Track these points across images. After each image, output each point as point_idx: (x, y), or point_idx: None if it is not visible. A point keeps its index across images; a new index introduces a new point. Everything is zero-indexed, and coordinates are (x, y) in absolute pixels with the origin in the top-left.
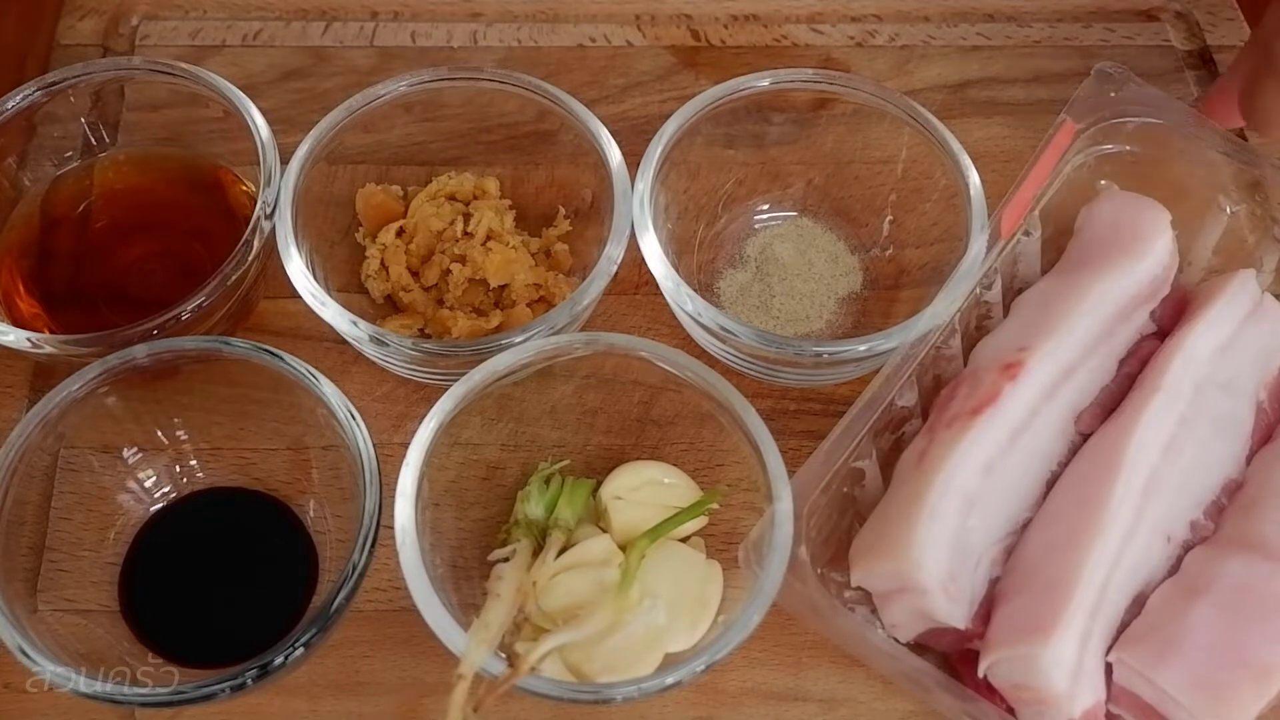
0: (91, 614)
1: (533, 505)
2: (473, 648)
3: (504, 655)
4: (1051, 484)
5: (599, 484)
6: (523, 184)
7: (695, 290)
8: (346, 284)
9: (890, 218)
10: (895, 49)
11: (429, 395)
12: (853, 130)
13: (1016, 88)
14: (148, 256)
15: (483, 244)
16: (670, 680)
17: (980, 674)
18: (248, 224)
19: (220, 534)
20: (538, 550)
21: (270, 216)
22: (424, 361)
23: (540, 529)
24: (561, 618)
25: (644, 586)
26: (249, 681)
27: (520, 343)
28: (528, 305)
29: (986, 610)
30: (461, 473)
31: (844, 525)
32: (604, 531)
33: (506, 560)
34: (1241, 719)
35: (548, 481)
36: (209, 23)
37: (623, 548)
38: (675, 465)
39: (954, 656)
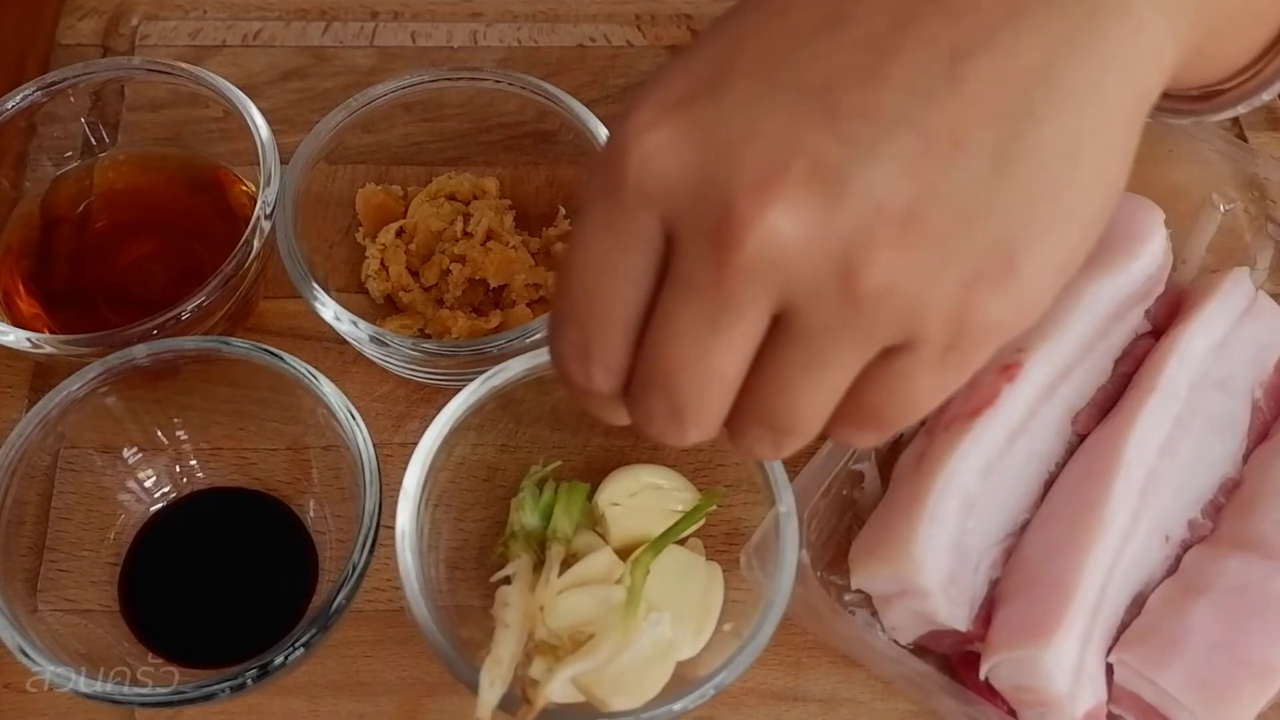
0: (91, 614)
1: (527, 514)
2: (485, 687)
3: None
4: (1049, 485)
5: (594, 488)
6: (523, 184)
7: None
8: (346, 284)
9: None
10: None
11: (429, 395)
12: None
13: None
14: (148, 256)
15: (482, 244)
16: (677, 707)
17: (981, 676)
18: (248, 224)
19: (220, 534)
20: (537, 564)
21: (270, 216)
22: (424, 361)
23: (538, 539)
24: (568, 636)
25: (648, 598)
26: (249, 681)
27: (519, 342)
28: (528, 305)
29: (987, 612)
30: (462, 473)
31: (843, 527)
32: (601, 536)
33: (508, 582)
34: (1242, 718)
35: (540, 486)
36: (209, 23)
37: (621, 553)
38: (673, 466)
39: (955, 658)
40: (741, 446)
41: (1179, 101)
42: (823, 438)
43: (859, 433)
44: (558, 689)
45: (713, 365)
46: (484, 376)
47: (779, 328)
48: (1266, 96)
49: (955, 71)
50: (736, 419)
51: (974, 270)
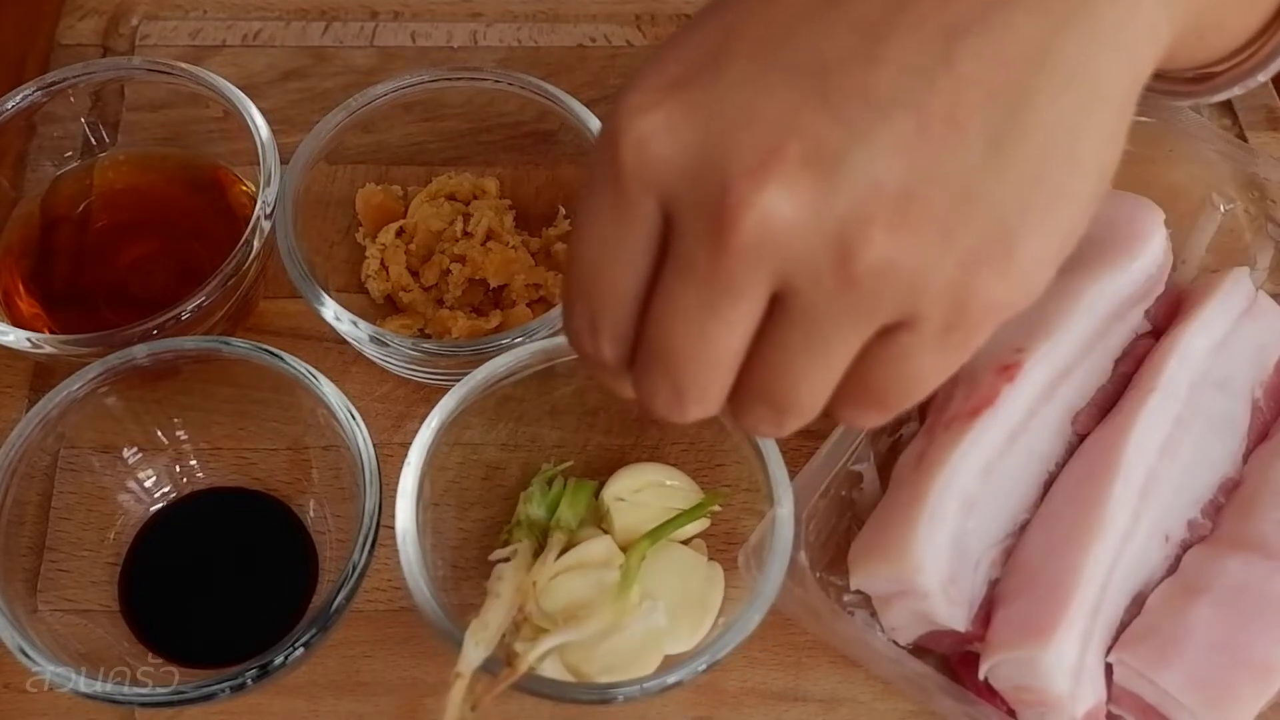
0: (91, 614)
1: (534, 506)
2: (470, 646)
3: (503, 655)
4: (1049, 485)
5: (601, 485)
6: (523, 184)
7: None
8: (346, 284)
9: None
10: None
11: (429, 395)
12: None
13: None
14: (148, 256)
15: (482, 244)
16: (671, 680)
17: (981, 676)
18: (248, 224)
19: (220, 534)
20: (539, 551)
21: (270, 216)
22: (424, 361)
23: (542, 530)
24: (562, 618)
25: (645, 589)
26: (249, 681)
27: (520, 343)
28: (527, 305)
29: (986, 612)
30: (462, 473)
31: (842, 528)
32: (605, 533)
33: (507, 560)
34: (1242, 717)
35: (550, 482)
36: (209, 23)
37: (624, 549)
38: (675, 465)
39: (954, 659)
40: (744, 425)
41: (1175, 84)
42: (828, 419)
43: (862, 412)
44: (545, 661)
45: (712, 347)
46: (472, 373)
47: (778, 308)
48: (1262, 77)
49: (951, 52)
50: (738, 398)
51: (973, 250)
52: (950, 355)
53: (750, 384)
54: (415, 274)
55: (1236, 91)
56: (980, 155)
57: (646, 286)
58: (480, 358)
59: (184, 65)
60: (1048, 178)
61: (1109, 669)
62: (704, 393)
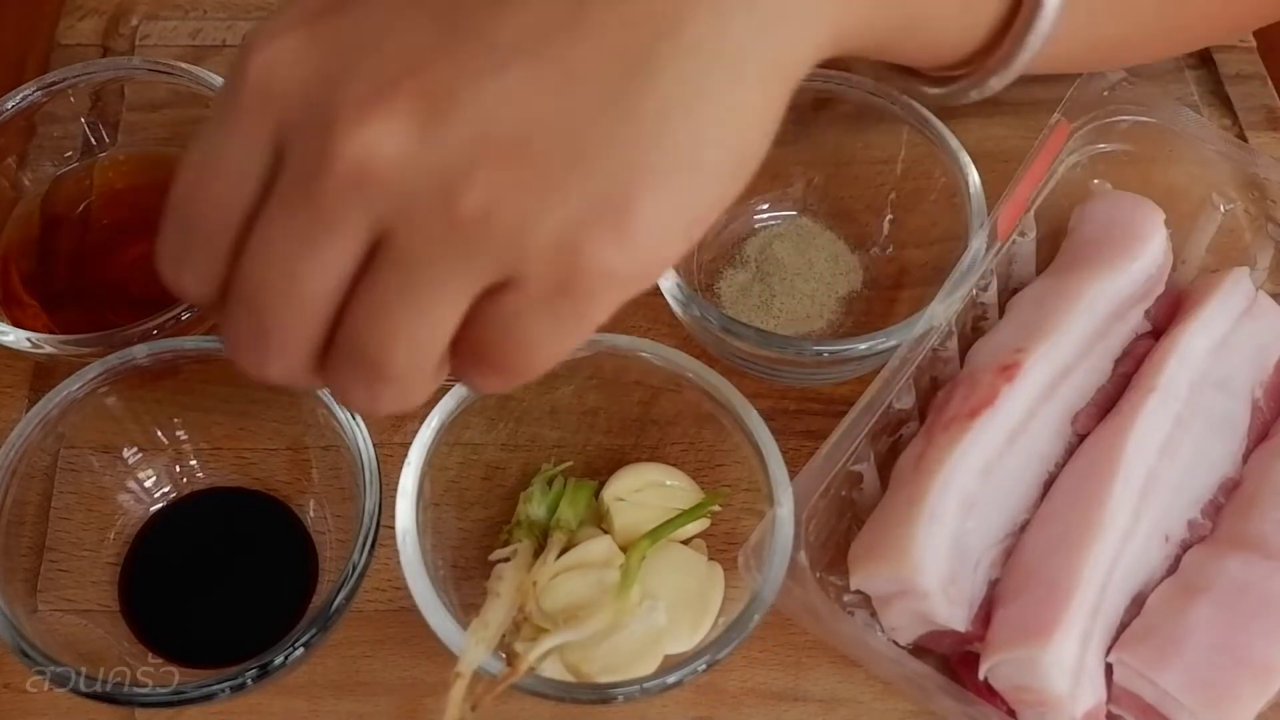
0: (91, 614)
1: (535, 506)
2: (471, 646)
3: (504, 655)
4: (1049, 485)
5: (601, 485)
6: None
7: (695, 290)
8: None
9: (890, 217)
10: None
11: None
12: (852, 130)
13: (1016, 87)
14: (148, 256)
15: None
16: (671, 680)
17: (981, 676)
18: None
19: (220, 534)
20: (539, 551)
21: None
22: None
23: (542, 530)
24: (562, 618)
25: (645, 588)
26: (249, 681)
27: None
28: None
29: (986, 612)
30: (462, 472)
31: (842, 528)
32: (605, 533)
33: (507, 560)
34: (1242, 717)
35: (550, 483)
36: (209, 23)
37: (624, 549)
38: (675, 465)
39: (954, 659)
40: (336, 391)
41: (922, 81)
42: (824, 418)
43: (478, 374)
44: (545, 661)
45: (301, 286)
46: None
47: (378, 253)
48: (995, 84)
49: (580, 11)
50: (330, 357)
51: (583, 210)
52: (565, 326)
53: (342, 339)
54: None
55: (974, 97)
56: (594, 111)
57: (247, 220)
58: None
59: (184, 65)
60: (667, 143)
61: (1109, 669)
62: (289, 340)
